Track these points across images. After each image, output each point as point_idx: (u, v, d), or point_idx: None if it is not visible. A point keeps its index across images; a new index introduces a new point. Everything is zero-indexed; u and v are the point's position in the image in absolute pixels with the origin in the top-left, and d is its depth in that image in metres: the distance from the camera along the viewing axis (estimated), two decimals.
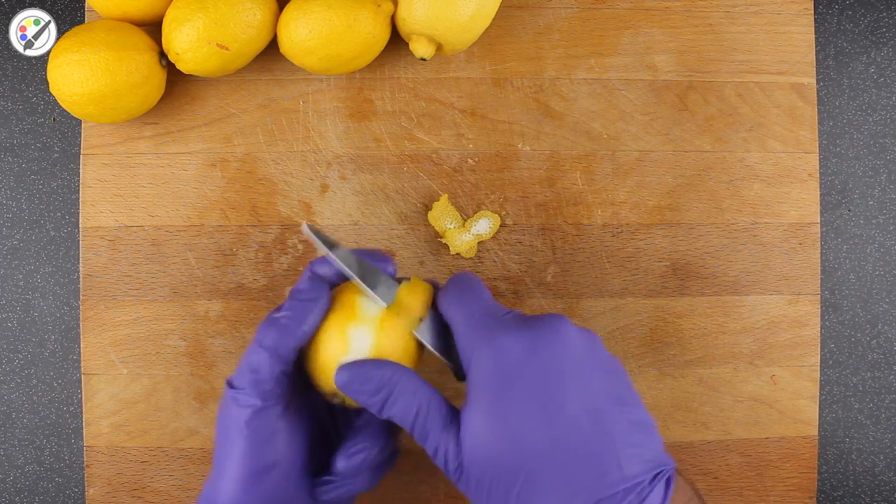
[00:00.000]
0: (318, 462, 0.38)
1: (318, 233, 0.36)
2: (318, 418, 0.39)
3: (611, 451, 0.32)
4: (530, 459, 0.32)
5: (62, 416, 0.52)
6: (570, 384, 0.32)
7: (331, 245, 0.36)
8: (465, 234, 0.48)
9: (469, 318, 0.34)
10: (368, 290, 0.35)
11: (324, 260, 0.37)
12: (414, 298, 0.36)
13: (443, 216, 0.48)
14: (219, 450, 0.35)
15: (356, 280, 0.35)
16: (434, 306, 0.37)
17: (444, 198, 0.48)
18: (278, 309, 0.36)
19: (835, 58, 0.55)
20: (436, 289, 0.38)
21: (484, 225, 0.48)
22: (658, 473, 0.32)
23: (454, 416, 0.34)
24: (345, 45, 0.44)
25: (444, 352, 0.36)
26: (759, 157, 0.50)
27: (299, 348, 0.35)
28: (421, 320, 0.36)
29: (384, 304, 0.35)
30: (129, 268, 0.48)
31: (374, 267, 0.36)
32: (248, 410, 0.34)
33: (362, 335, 0.35)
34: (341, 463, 0.36)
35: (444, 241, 0.48)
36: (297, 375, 0.37)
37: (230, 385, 0.36)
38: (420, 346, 0.37)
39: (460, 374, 0.36)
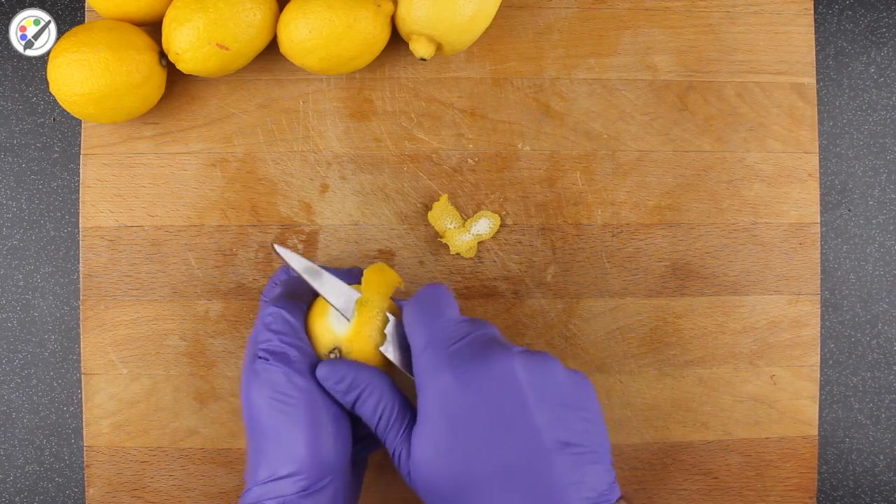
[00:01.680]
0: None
1: (287, 251, 0.38)
2: None
3: (548, 489, 0.33)
4: (468, 491, 0.33)
5: (62, 416, 0.52)
6: (511, 422, 0.34)
7: (301, 263, 0.38)
8: (465, 234, 0.48)
9: (424, 345, 0.36)
10: (334, 307, 0.38)
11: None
12: (373, 292, 0.39)
13: (443, 216, 0.48)
14: (271, 426, 0.36)
15: (324, 297, 0.38)
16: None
17: (443, 198, 0.48)
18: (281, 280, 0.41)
19: (835, 58, 0.55)
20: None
21: (484, 225, 0.48)
22: None
23: (414, 424, 0.36)
24: (345, 45, 0.44)
25: (409, 365, 0.38)
26: (759, 157, 0.50)
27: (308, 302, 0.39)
28: (383, 311, 0.39)
29: (347, 321, 0.38)
30: (129, 268, 0.48)
31: (339, 282, 0.38)
32: (305, 373, 0.36)
33: (341, 322, 0.38)
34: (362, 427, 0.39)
35: (444, 240, 0.48)
36: None
37: (265, 356, 0.37)
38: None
39: None
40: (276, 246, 0.38)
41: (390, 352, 0.38)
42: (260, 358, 0.37)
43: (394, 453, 0.36)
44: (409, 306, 0.38)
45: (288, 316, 0.38)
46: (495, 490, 0.33)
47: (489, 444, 0.33)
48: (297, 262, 0.38)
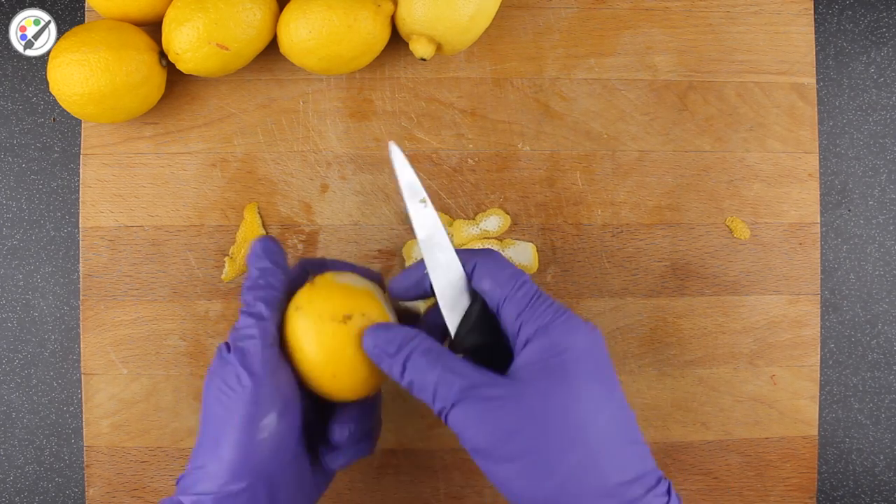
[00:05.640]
0: (317, 431, 0.39)
1: (402, 157, 0.37)
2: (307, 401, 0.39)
3: (634, 443, 0.33)
4: (586, 437, 0.32)
5: (62, 416, 0.52)
6: (613, 383, 0.34)
7: (407, 177, 0.37)
8: (473, 226, 0.48)
9: (531, 306, 0.35)
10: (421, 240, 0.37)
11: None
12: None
13: None
14: (212, 416, 0.35)
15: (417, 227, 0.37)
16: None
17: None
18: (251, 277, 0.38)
19: (835, 58, 0.55)
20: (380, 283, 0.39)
21: (493, 222, 0.48)
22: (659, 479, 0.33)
23: (489, 384, 0.33)
24: (345, 45, 0.44)
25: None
26: (759, 157, 0.50)
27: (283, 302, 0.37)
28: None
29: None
30: (129, 268, 0.48)
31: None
32: (251, 366, 0.34)
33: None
34: (337, 433, 0.37)
35: (450, 231, 0.48)
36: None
37: (226, 349, 0.36)
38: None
39: (453, 342, 0.36)
40: (392, 144, 0.37)
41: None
42: (224, 344, 0.36)
43: (464, 421, 0.33)
44: (484, 262, 0.36)
45: (260, 304, 0.36)
46: (603, 437, 0.33)
47: (597, 395, 0.33)
48: (405, 175, 0.37)
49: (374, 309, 0.36)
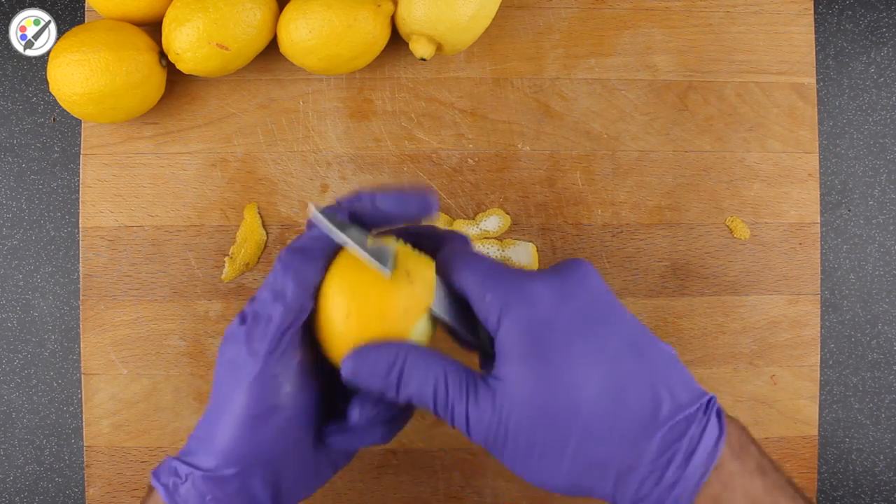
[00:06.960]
0: (326, 410, 0.36)
1: (328, 215, 0.33)
2: (330, 368, 0.36)
3: (660, 382, 0.31)
4: (583, 406, 0.30)
5: (62, 416, 0.52)
6: (608, 321, 0.32)
7: (342, 227, 0.33)
8: (473, 226, 0.48)
9: (488, 275, 0.33)
10: (379, 267, 0.32)
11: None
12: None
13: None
14: (218, 389, 0.33)
15: (375, 264, 0.33)
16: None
17: None
18: (298, 239, 0.35)
19: (835, 58, 0.55)
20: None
21: (493, 222, 0.48)
22: (709, 402, 0.31)
23: (481, 381, 0.32)
24: (345, 45, 0.44)
25: (461, 324, 0.35)
26: (759, 157, 0.50)
27: (318, 283, 0.33)
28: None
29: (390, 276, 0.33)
30: (129, 268, 0.48)
31: (384, 245, 0.34)
32: (260, 346, 0.32)
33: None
34: (355, 414, 0.34)
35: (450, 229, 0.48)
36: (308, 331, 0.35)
37: (242, 319, 0.33)
38: (432, 324, 0.35)
39: (480, 346, 0.35)
40: (312, 206, 0.33)
41: (443, 310, 0.34)
42: (240, 314, 0.33)
43: (469, 422, 0.31)
44: (452, 257, 0.34)
45: (289, 281, 0.33)
46: (609, 404, 0.30)
47: (593, 350, 0.31)
48: (342, 228, 0.33)
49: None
